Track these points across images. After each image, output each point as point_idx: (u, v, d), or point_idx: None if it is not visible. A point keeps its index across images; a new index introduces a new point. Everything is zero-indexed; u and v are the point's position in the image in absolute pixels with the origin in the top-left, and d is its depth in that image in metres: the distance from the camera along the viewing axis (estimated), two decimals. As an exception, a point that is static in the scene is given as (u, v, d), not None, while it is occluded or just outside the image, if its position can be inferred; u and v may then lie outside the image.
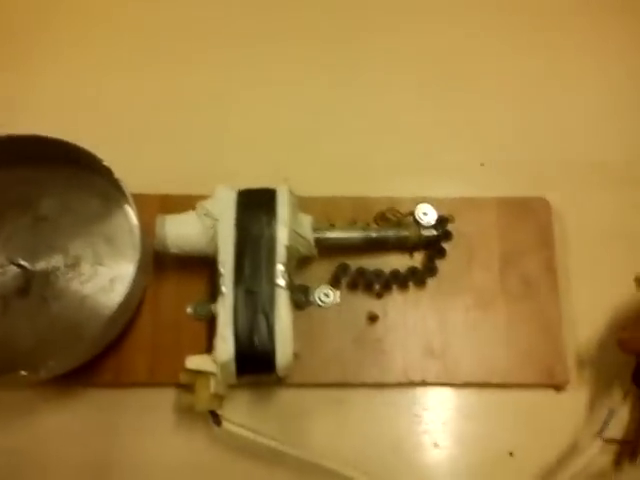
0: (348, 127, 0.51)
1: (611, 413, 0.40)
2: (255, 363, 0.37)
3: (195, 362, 0.37)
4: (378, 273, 0.44)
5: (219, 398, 0.38)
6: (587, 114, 0.51)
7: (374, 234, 0.44)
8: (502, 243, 0.46)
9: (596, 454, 0.39)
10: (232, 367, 0.37)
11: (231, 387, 0.41)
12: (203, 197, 0.42)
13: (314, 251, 0.43)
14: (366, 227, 0.44)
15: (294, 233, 0.41)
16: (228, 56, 0.53)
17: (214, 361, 0.37)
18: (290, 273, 0.41)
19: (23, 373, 0.37)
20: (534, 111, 0.51)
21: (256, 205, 0.41)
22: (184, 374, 0.38)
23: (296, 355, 0.39)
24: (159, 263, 0.45)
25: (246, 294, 0.38)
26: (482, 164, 0.49)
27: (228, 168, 0.47)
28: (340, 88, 0.52)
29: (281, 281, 0.38)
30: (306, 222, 0.42)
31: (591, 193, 0.48)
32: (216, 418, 0.38)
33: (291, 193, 0.41)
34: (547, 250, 0.46)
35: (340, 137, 0.50)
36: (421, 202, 0.46)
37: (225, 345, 0.37)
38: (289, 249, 0.40)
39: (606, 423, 0.39)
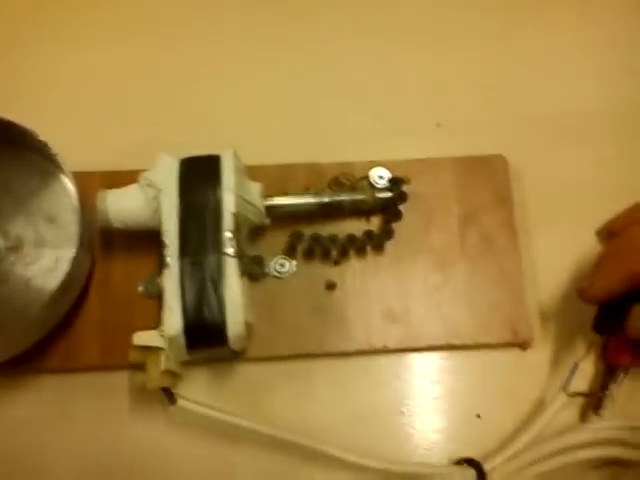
0: (298, 92, 0.49)
1: (574, 367, 0.39)
2: (205, 335, 0.36)
3: (143, 338, 0.36)
4: (333, 239, 0.42)
5: (172, 375, 0.37)
6: (543, 68, 0.50)
7: (328, 199, 0.43)
8: (460, 203, 0.45)
9: (560, 409, 0.38)
10: (181, 341, 0.36)
11: (188, 365, 0.40)
12: (149, 171, 0.41)
13: (266, 219, 0.42)
14: (320, 193, 0.43)
15: (242, 200, 0.39)
16: (168, 25, 0.51)
17: (162, 336, 0.36)
18: (242, 243, 0.40)
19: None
20: (489, 68, 0.50)
21: (200, 172, 0.39)
22: (133, 352, 0.36)
23: (249, 326, 0.38)
24: (107, 241, 0.43)
25: (193, 264, 0.36)
26: (438, 124, 0.48)
27: (175, 140, 0.45)
28: (287, 51, 0.50)
29: (229, 249, 0.37)
30: (255, 189, 0.41)
31: (549, 148, 0.47)
32: (170, 396, 0.37)
33: (237, 158, 0.40)
34: (506, 207, 0.45)
35: (289, 102, 0.49)
36: (376, 165, 0.45)
37: (172, 318, 0.35)
38: (237, 217, 0.38)
39: (570, 377, 0.39)
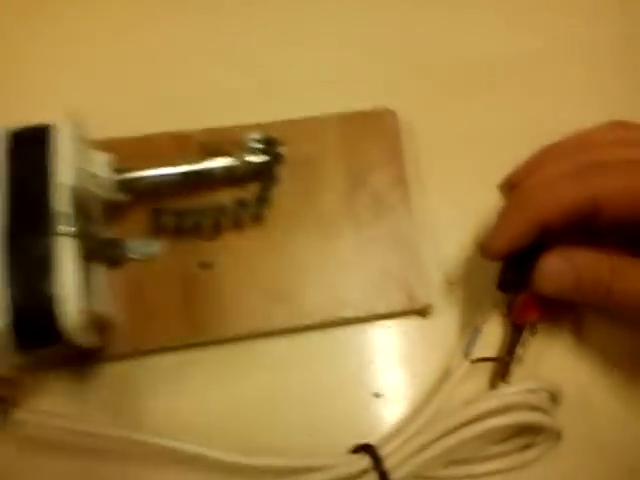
0: (159, 53, 0.44)
1: (476, 331, 0.35)
2: (35, 330, 0.30)
3: (-41, 340, 0.30)
4: (201, 211, 0.37)
5: (4, 381, 0.31)
6: (431, 15, 0.46)
7: (195, 168, 0.37)
8: (347, 163, 0.40)
9: (463, 378, 0.34)
10: (5, 339, 0.30)
11: (42, 370, 0.35)
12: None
13: (120, 195, 0.36)
14: (184, 162, 0.38)
15: (84, 173, 0.33)
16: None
17: (-17, 335, 0.30)
18: (93, 222, 0.34)
19: None
20: (373, 18, 0.46)
21: (30, 144, 0.33)
22: (-47, 359, 0.31)
23: (97, 316, 0.32)
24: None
25: (21, 248, 0.31)
26: (321, 81, 0.44)
27: (16, 115, 0.39)
28: (142, 7, 0.45)
29: (64, 228, 0.31)
30: (101, 160, 0.35)
31: (442, 100, 0.43)
32: (1, 407, 0.31)
33: (76, 127, 0.34)
34: (396, 164, 0.40)
35: (148, 65, 0.43)
36: (251, 129, 0.40)
37: (-6, 313, 0.30)
38: (77, 192, 0.33)
39: (471, 342, 0.35)
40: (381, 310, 0.37)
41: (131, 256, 0.37)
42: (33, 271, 0.30)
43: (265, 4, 0.46)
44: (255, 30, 0.45)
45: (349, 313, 0.37)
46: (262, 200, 0.38)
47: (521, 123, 0.43)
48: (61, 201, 0.32)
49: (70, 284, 0.30)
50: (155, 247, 0.37)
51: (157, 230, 0.38)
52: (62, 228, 0.31)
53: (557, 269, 0.33)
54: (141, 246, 0.37)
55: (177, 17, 0.45)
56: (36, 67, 0.43)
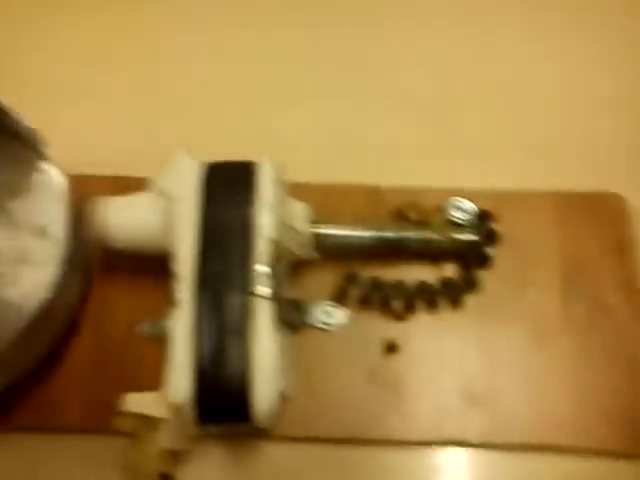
0: (350, 95, 0.40)
1: None
2: (223, 406, 0.25)
3: (137, 402, 0.26)
4: (399, 286, 0.32)
5: (173, 455, 0.27)
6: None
7: (391, 235, 0.32)
8: (564, 252, 0.34)
9: None
10: (189, 411, 0.25)
11: (195, 439, 0.30)
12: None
13: (312, 252, 0.32)
14: (381, 226, 0.33)
15: (282, 224, 0.29)
16: (183, 31, 0.43)
17: (165, 402, 0.26)
18: (278, 280, 0.30)
19: None
20: (601, 83, 0.40)
21: (228, 182, 0.29)
22: (122, 418, 0.26)
23: (284, 396, 0.28)
24: (109, 264, 0.34)
25: (212, 305, 0.26)
26: (533, 149, 0.38)
27: (198, 148, 0.34)
28: (335, 54, 0.41)
29: (263, 289, 0.27)
30: (299, 211, 0.31)
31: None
32: (166, 485, 0.27)
33: (277, 169, 0.30)
34: (625, 261, 0.34)
35: (341, 111, 0.39)
36: (453, 195, 0.35)
37: (179, 380, 0.25)
38: (275, 245, 0.28)
39: None
40: (595, 445, 0.30)
41: (312, 323, 0.32)
42: (226, 338, 0.26)
43: (485, 57, 0.41)
44: (446, 85, 0.40)
45: (560, 440, 0.30)
46: (468, 283, 0.32)
47: None
48: (262, 257, 0.28)
49: (269, 358, 0.26)
50: (341, 317, 0.32)
51: (342, 297, 0.33)
52: (261, 289, 0.27)
53: None
54: (325, 313, 0.32)
55: (366, 65, 0.41)
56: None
